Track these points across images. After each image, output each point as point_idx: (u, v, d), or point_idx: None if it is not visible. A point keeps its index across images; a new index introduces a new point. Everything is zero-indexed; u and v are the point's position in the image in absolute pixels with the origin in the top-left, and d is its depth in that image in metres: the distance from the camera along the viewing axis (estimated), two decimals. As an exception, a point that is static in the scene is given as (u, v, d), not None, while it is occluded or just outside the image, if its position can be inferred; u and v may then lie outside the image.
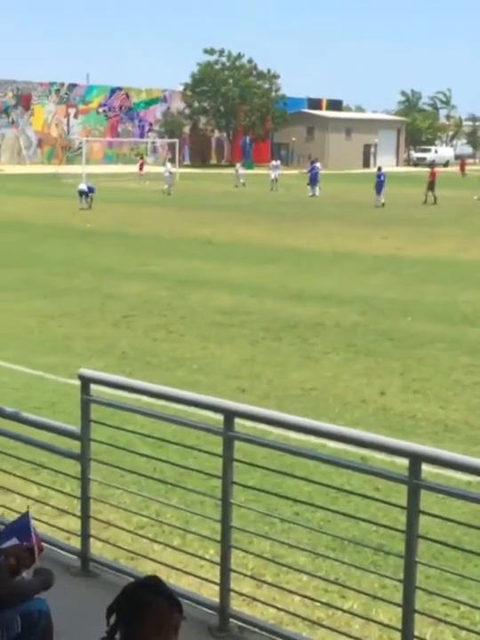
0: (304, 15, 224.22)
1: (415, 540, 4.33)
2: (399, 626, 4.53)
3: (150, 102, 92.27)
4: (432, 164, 49.11)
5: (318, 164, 53.06)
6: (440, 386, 12.26)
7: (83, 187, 39.89)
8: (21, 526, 4.32)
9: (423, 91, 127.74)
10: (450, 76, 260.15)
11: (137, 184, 58.22)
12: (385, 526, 5.53)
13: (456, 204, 46.14)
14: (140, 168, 62.88)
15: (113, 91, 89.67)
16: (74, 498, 6.41)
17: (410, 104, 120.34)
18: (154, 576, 3.43)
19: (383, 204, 43.61)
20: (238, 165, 59.27)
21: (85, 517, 5.85)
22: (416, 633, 4.62)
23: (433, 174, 46.68)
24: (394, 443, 4.84)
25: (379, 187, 44.62)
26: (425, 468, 4.54)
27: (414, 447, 4.54)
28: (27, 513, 4.46)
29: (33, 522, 4.42)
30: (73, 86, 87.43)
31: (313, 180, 51.13)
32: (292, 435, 6.93)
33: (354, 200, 45.91)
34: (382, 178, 44.86)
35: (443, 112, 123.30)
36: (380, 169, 46.73)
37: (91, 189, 39.46)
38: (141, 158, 66.54)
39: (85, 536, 5.85)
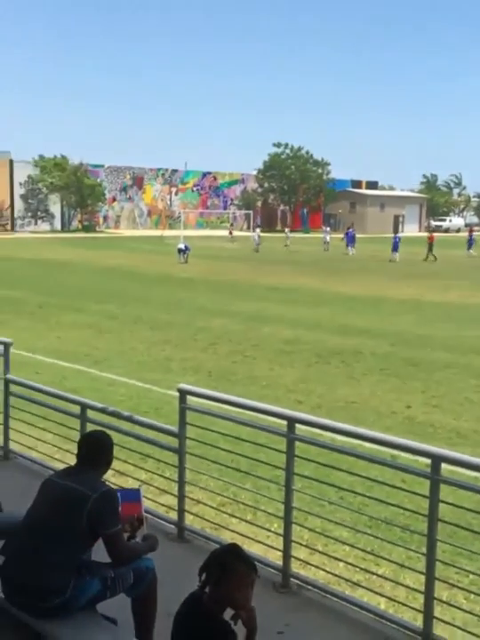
0: (351, 112, 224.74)
1: (435, 522, 4.24)
2: (422, 589, 4.42)
3: (232, 183, 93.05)
4: (431, 230, 47.87)
5: (351, 230, 52.62)
6: (453, 402, 12.01)
7: (181, 246, 40.29)
8: (132, 495, 4.32)
9: (440, 173, 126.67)
10: (461, 162, 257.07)
11: (229, 244, 58.49)
12: (410, 510, 5.42)
13: (466, 262, 45.45)
14: (230, 233, 63.30)
15: (204, 174, 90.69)
16: (172, 481, 6.43)
17: (429, 184, 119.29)
18: (234, 543, 3.41)
19: (397, 260, 43.23)
20: (287, 231, 58.11)
21: (181, 496, 5.85)
22: (435, 595, 4.51)
23: (431, 238, 45.81)
24: (419, 446, 4.75)
25: (394, 246, 44.29)
26: (443, 466, 4.46)
27: (435, 450, 4.45)
28: (138, 488, 4.46)
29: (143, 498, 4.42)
30: (174, 171, 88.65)
31: (350, 242, 50.63)
32: (338, 437, 6.84)
33: (385, 257, 45.51)
34: (397, 240, 44.65)
35: (455, 191, 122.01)
36: (396, 233, 46.37)
37: (187, 248, 39.83)
38: (231, 225, 67.01)
39: (181, 511, 5.85)
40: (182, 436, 5.83)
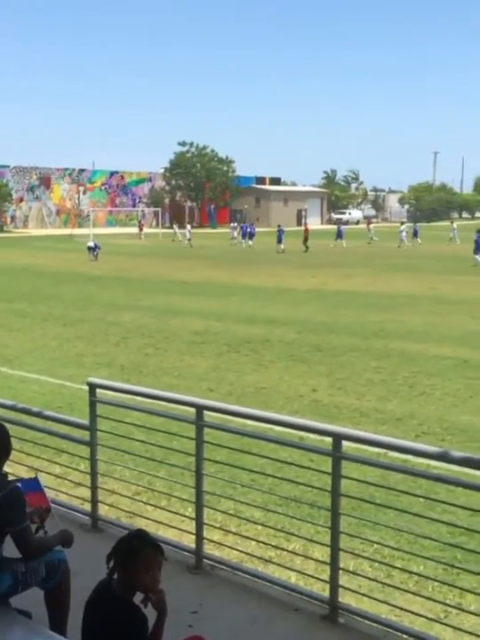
0: (254, 111, 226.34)
1: (338, 497, 4.31)
2: (329, 560, 4.50)
3: (139, 181, 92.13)
4: (305, 223, 48.94)
5: (244, 225, 54.00)
6: (356, 383, 12.29)
7: (91, 244, 39.63)
8: (32, 485, 4.19)
9: (339, 169, 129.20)
10: (358, 159, 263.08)
11: (139, 241, 57.88)
12: (317, 488, 5.51)
13: (364, 251, 46.50)
14: (140, 229, 62.55)
15: (112, 173, 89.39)
16: (87, 474, 6.32)
17: (329, 179, 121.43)
18: (141, 529, 3.40)
19: (283, 251, 44.16)
20: (188, 227, 57.07)
21: (94, 487, 5.77)
22: (341, 565, 4.60)
23: (306, 231, 46.78)
24: (320, 426, 4.83)
25: (279, 237, 45.31)
26: (346, 443, 4.54)
27: (335, 428, 4.53)
28: (36, 477, 4.32)
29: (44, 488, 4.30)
30: (82, 171, 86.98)
31: (244, 235, 51.89)
32: (249, 422, 6.89)
33: (290, 250, 46.06)
34: (281, 232, 45.70)
35: (353, 185, 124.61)
36: (279, 226, 47.47)
37: (97, 246, 39.23)
38: (140, 222, 66.26)
39: (94, 501, 5.77)
40: (93, 428, 5.74)
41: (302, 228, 52.89)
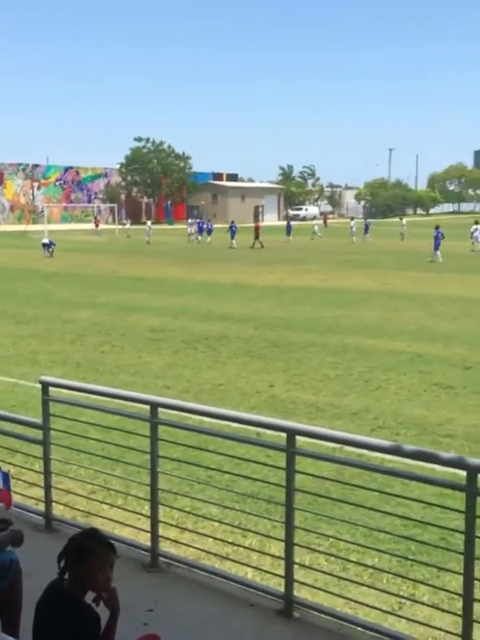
0: (211, 107, 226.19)
1: (292, 492, 4.34)
2: (284, 556, 4.53)
3: (95, 177, 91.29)
4: (258, 220, 49.53)
5: (201, 221, 54.84)
6: (313, 379, 12.36)
7: (45, 240, 39.21)
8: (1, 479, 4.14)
9: (295, 165, 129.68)
10: (314, 155, 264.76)
11: (96, 237, 57.33)
12: (274, 484, 5.53)
13: (321, 248, 46.78)
14: (96, 225, 62.01)
15: (66, 169, 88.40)
16: (40, 473, 6.24)
17: (286, 176, 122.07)
18: (93, 527, 3.38)
19: (236, 247, 44.51)
20: (149, 223, 56.94)
21: (47, 487, 5.70)
22: (297, 560, 4.63)
23: (257, 227, 47.02)
24: (274, 421, 4.85)
25: (232, 234, 45.92)
26: (303, 439, 4.57)
27: (289, 424, 4.56)
28: (7, 472, 4.27)
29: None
30: (36, 166, 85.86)
31: (206, 231, 52.74)
32: (206, 419, 6.89)
33: (243, 246, 46.13)
34: (234, 228, 46.33)
35: (309, 181, 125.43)
36: (232, 222, 48.17)
37: (51, 243, 38.82)
38: (96, 218, 65.66)
39: (48, 501, 5.71)
40: (46, 427, 5.68)
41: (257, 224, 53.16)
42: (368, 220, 57.81)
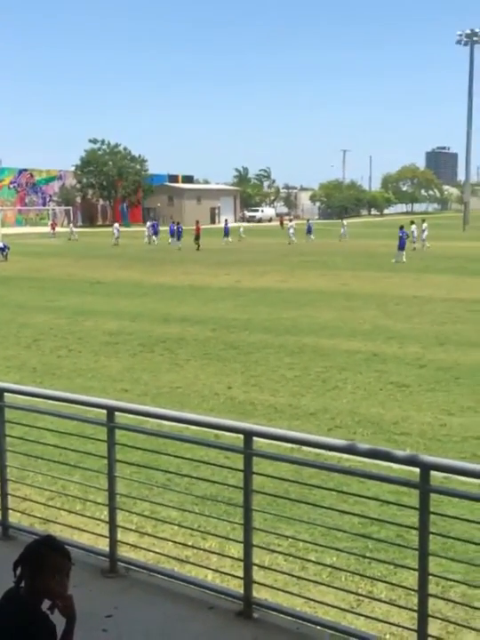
0: (166, 110, 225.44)
1: (250, 494, 4.35)
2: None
3: (50, 179, 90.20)
4: (197, 222, 49.71)
5: (156, 222, 56.17)
6: (270, 380, 12.42)
7: None
8: None
9: (251, 167, 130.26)
10: (270, 158, 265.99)
11: (51, 240, 56.72)
12: (232, 486, 5.55)
13: (276, 249, 46.92)
14: (53, 228, 61.38)
15: (20, 171, 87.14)
16: (-4, 481, 6.15)
17: (242, 177, 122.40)
18: (49, 534, 3.34)
19: (180, 249, 45.24)
20: (116, 225, 56.72)
21: (4, 495, 5.61)
22: (256, 561, 4.65)
23: (198, 229, 47.07)
24: (231, 423, 4.87)
25: (177, 234, 47.81)
26: (260, 440, 4.59)
27: (246, 426, 4.57)
28: None
29: None
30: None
31: (157, 233, 53.70)
32: (164, 422, 6.87)
33: (189, 247, 46.09)
34: (176, 229, 48.10)
35: (265, 183, 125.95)
36: (177, 223, 49.65)
37: (6, 246, 38.29)
38: (53, 221, 65.03)
39: (4, 508, 5.62)
40: (2, 434, 5.59)
41: (221, 225, 53.36)
42: (310, 222, 58.39)
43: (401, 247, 36.02)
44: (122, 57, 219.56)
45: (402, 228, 37.12)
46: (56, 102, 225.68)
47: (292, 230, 51.86)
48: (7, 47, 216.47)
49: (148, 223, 57.84)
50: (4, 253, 37.88)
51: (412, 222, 44.76)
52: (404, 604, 4.59)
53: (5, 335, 16.76)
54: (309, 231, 54.39)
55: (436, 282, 26.45)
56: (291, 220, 59.14)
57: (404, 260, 35.15)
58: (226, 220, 55.40)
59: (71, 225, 61.14)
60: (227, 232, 51.86)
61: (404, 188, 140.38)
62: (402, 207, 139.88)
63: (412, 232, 43.27)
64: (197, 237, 45.69)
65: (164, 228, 58.24)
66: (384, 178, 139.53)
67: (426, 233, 44.23)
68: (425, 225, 44.68)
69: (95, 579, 4.78)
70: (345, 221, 59.06)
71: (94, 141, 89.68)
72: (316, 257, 38.99)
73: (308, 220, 60.11)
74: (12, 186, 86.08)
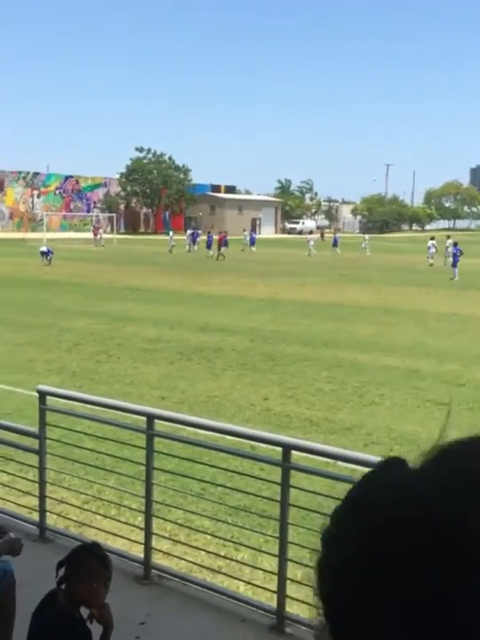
0: (211, 121, 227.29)
1: (287, 507, 4.33)
2: (277, 571, 4.51)
3: (95, 186, 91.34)
4: (221, 232, 50.16)
5: (195, 231, 56.08)
6: (307, 392, 12.36)
7: (43, 249, 39.21)
8: None
9: (293, 179, 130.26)
10: (312, 170, 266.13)
11: (94, 247, 57.36)
12: (266, 498, 5.52)
13: (320, 261, 46.76)
14: (95, 234, 62.11)
15: (66, 178, 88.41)
16: (34, 482, 6.22)
17: (284, 189, 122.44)
18: (94, 542, 3.36)
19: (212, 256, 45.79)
20: (171, 233, 56.47)
21: (42, 497, 5.68)
22: (290, 575, 4.61)
23: (221, 238, 47.22)
24: (270, 436, 4.85)
25: (208, 244, 47.95)
26: (295, 453, 4.55)
27: (285, 439, 4.55)
28: None
29: None
30: (36, 174, 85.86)
31: (196, 242, 53.40)
32: (200, 431, 6.88)
33: (244, 259, 46.25)
34: (214, 239, 47.86)
35: (307, 195, 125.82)
36: (209, 232, 50.43)
37: (49, 251, 38.83)
38: (95, 227, 65.81)
39: (42, 511, 5.68)
40: (42, 436, 5.66)
41: (262, 235, 53.73)
42: (337, 235, 58.95)
43: (454, 264, 35.33)
44: (169, 69, 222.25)
45: (456, 244, 36.50)
46: (104, 111, 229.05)
47: (312, 243, 52.49)
48: (57, 56, 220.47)
49: (189, 231, 58.20)
50: (48, 258, 38.41)
51: (432, 238, 45.23)
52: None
53: (47, 339, 16.96)
54: (335, 244, 54.79)
55: (478, 299, 26.09)
56: (311, 233, 60.14)
57: (457, 277, 34.46)
58: (252, 231, 56.12)
59: (101, 231, 61.61)
60: (253, 241, 52.74)
61: (447, 204, 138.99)
62: (444, 223, 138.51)
63: (428, 248, 43.69)
64: (220, 246, 45.95)
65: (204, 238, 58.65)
66: (427, 193, 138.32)
67: (450, 249, 44.11)
68: (449, 241, 44.47)
69: (129, 585, 4.80)
70: (367, 236, 59.54)
71: (140, 150, 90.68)
72: (354, 271, 38.78)
73: (334, 233, 60.52)
74: (57, 192, 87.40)
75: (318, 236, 57.03)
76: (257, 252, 51.08)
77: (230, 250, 47.73)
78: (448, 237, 45.42)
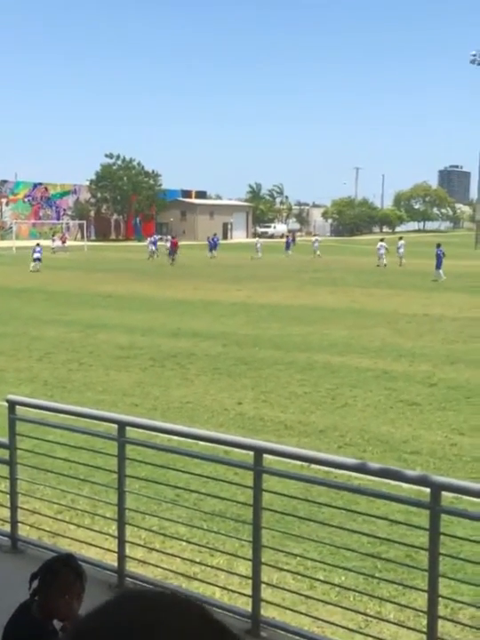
0: (179, 125, 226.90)
1: (259, 511, 4.33)
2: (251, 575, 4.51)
3: (64, 193, 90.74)
4: (174, 236, 50.63)
5: (155, 237, 56.19)
6: (280, 396, 12.38)
7: (37, 254, 39.56)
8: None
9: (264, 183, 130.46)
10: (282, 174, 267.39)
11: (63, 254, 56.93)
12: (241, 503, 5.53)
13: (287, 264, 46.91)
14: (63, 242, 61.66)
15: (35, 185, 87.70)
16: (5, 493, 6.16)
17: (254, 193, 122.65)
18: (68, 553, 3.34)
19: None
20: (153, 239, 55.95)
21: (13, 507, 5.62)
22: (264, 579, 4.62)
23: (174, 243, 47.43)
24: (242, 440, 4.86)
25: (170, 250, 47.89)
26: (269, 457, 4.57)
27: (256, 443, 4.56)
28: None
29: None
30: (4, 182, 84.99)
31: (157, 248, 52.93)
32: (174, 437, 6.86)
33: (214, 263, 46.22)
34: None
35: (278, 199, 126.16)
36: (160, 237, 49.67)
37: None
38: (63, 235, 65.37)
39: (13, 522, 5.62)
40: (13, 447, 5.60)
41: (234, 240, 53.87)
42: (289, 238, 59.93)
43: (438, 265, 34.85)
44: (137, 71, 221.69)
45: (439, 245, 35.83)
46: (71, 117, 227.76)
47: (259, 245, 53.82)
48: (22, 60, 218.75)
49: (149, 239, 57.70)
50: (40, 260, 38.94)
51: (382, 239, 47.17)
52: (413, 626, 4.54)
53: (18, 348, 16.81)
54: (288, 247, 56.31)
55: (447, 300, 26.36)
56: (259, 236, 61.68)
57: (444, 277, 34.10)
58: (214, 235, 56.28)
59: (54, 237, 61.15)
60: (214, 245, 53.20)
61: (417, 206, 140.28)
62: (414, 225, 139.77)
63: (378, 249, 45.04)
64: (173, 252, 46.01)
65: (190, 243, 58.38)
66: (396, 195, 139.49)
67: (402, 250, 45.57)
68: (401, 242, 46.34)
69: (103, 594, 4.75)
70: (318, 237, 61.42)
71: (110, 156, 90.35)
72: (324, 274, 38.95)
73: (286, 237, 61.43)
74: (26, 199, 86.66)
75: (262, 240, 58.73)
76: (224, 256, 51.10)
77: (198, 255, 47.69)
78: (400, 239, 47.58)
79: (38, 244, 41.42)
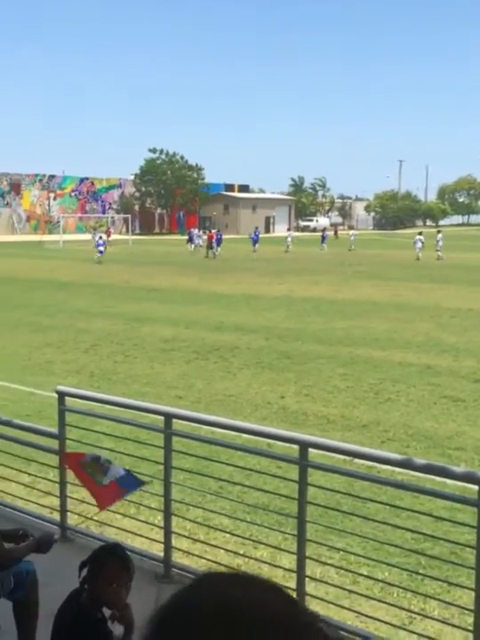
0: (224, 120, 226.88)
1: (304, 505, 4.33)
2: (295, 568, 4.51)
3: (109, 188, 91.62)
4: (210, 230, 50.37)
5: (193, 230, 55.55)
6: (323, 390, 12.34)
7: (100, 242, 41.43)
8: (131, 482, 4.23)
9: (306, 177, 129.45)
10: (325, 167, 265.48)
11: (108, 247, 57.52)
12: (284, 496, 5.52)
13: (332, 258, 46.60)
14: (108, 235, 62.33)
15: (81, 180, 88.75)
16: (55, 483, 6.26)
17: (297, 187, 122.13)
18: (116, 543, 3.38)
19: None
20: (197, 232, 56.24)
21: (63, 497, 5.71)
22: (308, 573, 4.61)
23: (210, 237, 47.10)
24: (287, 434, 4.84)
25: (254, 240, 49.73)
26: (312, 451, 4.55)
27: (302, 437, 4.55)
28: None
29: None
30: (52, 177, 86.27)
31: (217, 243, 51.24)
32: (217, 430, 6.88)
33: (257, 257, 46.22)
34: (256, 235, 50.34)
35: (320, 192, 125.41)
36: (256, 229, 51.80)
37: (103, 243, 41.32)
38: (108, 229, 66.06)
39: (63, 511, 5.72)
40: (62, 437, 5.69)
41: (276, 234, 53.74)
42: (325, 232, 58.97)
43: None
44: (181, 67, 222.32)
45: None
46: (117, 112, 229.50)
47: (289, 239, 53.36)
48: (71, 60, 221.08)
49: (199, 231, 58.13)
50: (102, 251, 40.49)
51: (420, 233, 46.87)
52: (458, 623, 4.49)
53: (65, 340, 17.05)
54: (323, 241, 55.40)
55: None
56: (288, 230, 60.98)
57: None
58: (256, 228, 55.90)
59: (95, 232, 61.60)
60: (256, 240, 52.74)
61: (461, 199, 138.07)
62: (458, 218, 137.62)
63: (415, 243, 44.81)
64: (210, 246, 45.84)
65: (234, 237, 58.42)
66: (440, 188, 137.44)
67: (441, 243, 45.01)
68: (439, 236, 45.69)
69: (149, 584, 4.81)
70: (353, 231, 61.31)
71: (154, 151, 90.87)
72: (366, 267, 38.61)
73: (322, 231, 60.46)
74: (73, 194, 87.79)
75: (292, 232, 58.41)
76: (266, 250, 50.98)
77: (241, 249, 47.67)
78: (438, 232, 46.90)
79: (101, 237, 42.48)
